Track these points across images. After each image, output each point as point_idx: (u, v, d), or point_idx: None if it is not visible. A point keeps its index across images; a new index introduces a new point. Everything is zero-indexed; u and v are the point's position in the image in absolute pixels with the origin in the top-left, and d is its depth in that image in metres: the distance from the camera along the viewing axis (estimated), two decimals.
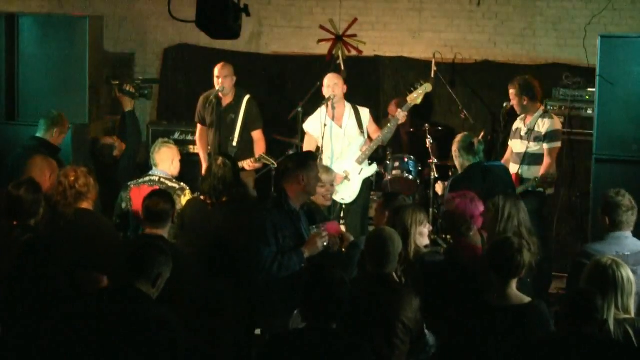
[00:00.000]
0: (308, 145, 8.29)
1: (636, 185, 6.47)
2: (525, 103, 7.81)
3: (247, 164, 8.08)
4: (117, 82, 8.19)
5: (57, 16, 8.81)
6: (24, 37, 8.23)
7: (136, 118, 8.20)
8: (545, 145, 7.76)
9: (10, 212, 5.58)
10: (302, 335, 4.16)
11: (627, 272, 4.60)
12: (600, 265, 4.64)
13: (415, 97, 8.07)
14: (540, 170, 7.70)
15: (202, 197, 6.37)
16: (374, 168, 8.28)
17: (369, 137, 8.24)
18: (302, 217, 5.76)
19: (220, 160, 6.36)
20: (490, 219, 5.55)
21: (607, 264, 4.61)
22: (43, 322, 4.78)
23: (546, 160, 7.74)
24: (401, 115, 8.03)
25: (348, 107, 8.21)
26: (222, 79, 8.29)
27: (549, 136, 7.76)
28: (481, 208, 5.67)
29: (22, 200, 5.56)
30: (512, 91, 7.87)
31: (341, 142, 8.12)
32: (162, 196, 5.74)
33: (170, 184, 6.81)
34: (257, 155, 8.16)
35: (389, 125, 8.10)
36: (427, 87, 8.03)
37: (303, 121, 8.42)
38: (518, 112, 7.95)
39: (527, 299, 4.69)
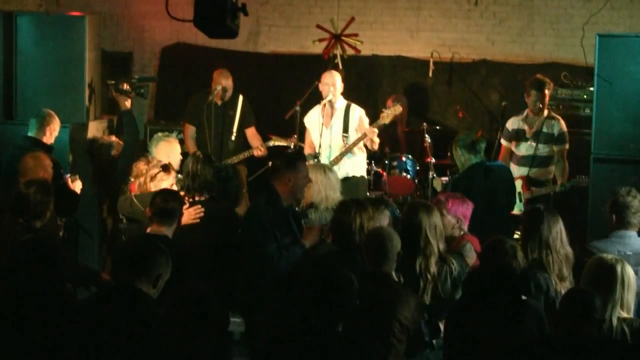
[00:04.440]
0: (306, 142, 8.31)
1: (634, 184, 6.47)
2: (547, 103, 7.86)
3: (256, 151, 8.37)
4: (113, 82, 8.19)
5: (54, 15, 8.78)
6: (22, 36, 8.21)
7: (133, 117, 8.19)
8: (557, 147, 7.81)
9: (16, 209, 5.61)
10: (307, 335, 4.15)
11: (631, 271, 4.62)
12: (605, 263, 4.63)
13: (385, 116, 7.96)
14: (563, 173, 7.77)
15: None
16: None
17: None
18: (291, 215, 5.77)
19: (196, 155, 6.29)
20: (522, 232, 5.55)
21: (613, 262, 4.62)
22: (39, 322, 4.78)
23: (564, 163, 7.81)
24: (370, 131, 7.88)
25: (341, 106, 8.14)
26: (222, 87, 8.43)
27: (561, 138, 7.81)
28: (471, 207, 5.78)
29: (29, 199, 5.61)
30: (547, 92, 7.83)
31: (328, 142, 8.09)
32: (174, 194, 5.74)
33: None
34: (261, 142, 8.38)
35: (359, 137, 7.96)
36: (397, 109, 7.98)
37: (301, 119, 8.42)
38: (536, 113, 7.86)
39: (523, 297, 4.69)
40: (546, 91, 7.84)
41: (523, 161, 7.88)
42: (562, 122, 7.91)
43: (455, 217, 5.75)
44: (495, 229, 5.97)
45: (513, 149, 8.04)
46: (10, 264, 5.12)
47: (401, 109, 7.98)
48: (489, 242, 4.96)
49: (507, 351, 4.34)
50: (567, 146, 7.85)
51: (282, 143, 8.34)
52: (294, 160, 5.84)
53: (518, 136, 7.94)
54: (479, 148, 6.93)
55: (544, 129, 7.80)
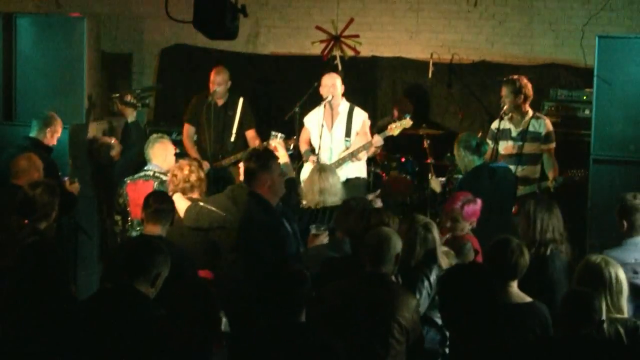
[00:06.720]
0: (302, 138, 8.27)
1: (634, 185, 6.47)
2: (519, 102, 7.78)
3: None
4: (117, 95, 8.24)
5: (54, 16, 8.81)
6: (22, 37, 8.23)
7: (140, 127, 8.26)
8: (545, 146, 7.76)
9: (22, 211, 5.60)
10: (267, 331, 4.16)
11: (616, 271, 4.58)
12: (589, 264, 4.63)
13: (394, 127, 7.93)
14: (553, 171, 7.70)
15: None
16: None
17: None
18: (284, 217, 5.74)
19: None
20: (522, 225, 5.53)
21: (596, 262, 4.60)
22: (42, 323, 4.78)
23: (553, 161, 7.75)
24: (376, 140, 7.87)
25: (343, 109, 8.11)
26: (215, 85, 8.43)
27: (548, 136, 7.78)
28: (480, 204, 5.92)
29: (35, 200, 5.59)
30: (507, 90, 7.79)
31: (328, 144, 8.08)
32: (166, 195, 5.75)
33: (164, 177, 6.82)
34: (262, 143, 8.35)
35: (363, 144, 7.97)
36: (407, 123, 7.95)
37: (300, 121, 8.41)
38: (508, 111, 7.80)
39: (528, 299, 4.69)
40: (506, 89, 7.78)
41: (510, 160, 7.84)
42: (548, 122, 7.90)
43: (469, 220, 5.86)
44: (499, 230, 5.96)
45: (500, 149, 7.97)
46: (16, 266, 5.13)
47: (411, 122, 7.97)
48: (496, 241, 4.96)
49: (511, 352, 4.34)
50: (554, 145, 7.84)
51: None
52: (267, 160, 5.63)
53: (503, 136, 7.88)
54: (483, 150, 6.93)
55: (530, 129, 7.79)
